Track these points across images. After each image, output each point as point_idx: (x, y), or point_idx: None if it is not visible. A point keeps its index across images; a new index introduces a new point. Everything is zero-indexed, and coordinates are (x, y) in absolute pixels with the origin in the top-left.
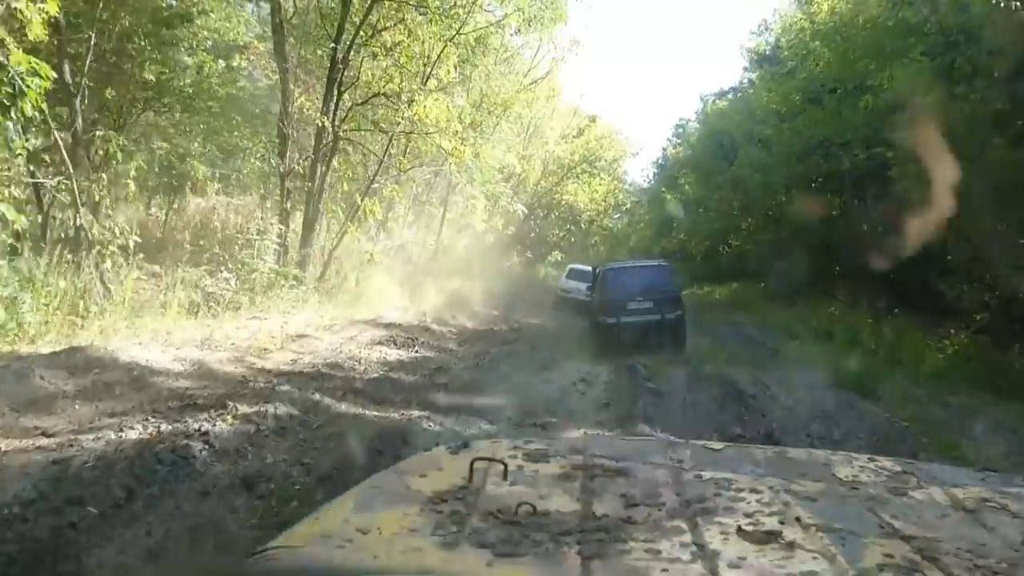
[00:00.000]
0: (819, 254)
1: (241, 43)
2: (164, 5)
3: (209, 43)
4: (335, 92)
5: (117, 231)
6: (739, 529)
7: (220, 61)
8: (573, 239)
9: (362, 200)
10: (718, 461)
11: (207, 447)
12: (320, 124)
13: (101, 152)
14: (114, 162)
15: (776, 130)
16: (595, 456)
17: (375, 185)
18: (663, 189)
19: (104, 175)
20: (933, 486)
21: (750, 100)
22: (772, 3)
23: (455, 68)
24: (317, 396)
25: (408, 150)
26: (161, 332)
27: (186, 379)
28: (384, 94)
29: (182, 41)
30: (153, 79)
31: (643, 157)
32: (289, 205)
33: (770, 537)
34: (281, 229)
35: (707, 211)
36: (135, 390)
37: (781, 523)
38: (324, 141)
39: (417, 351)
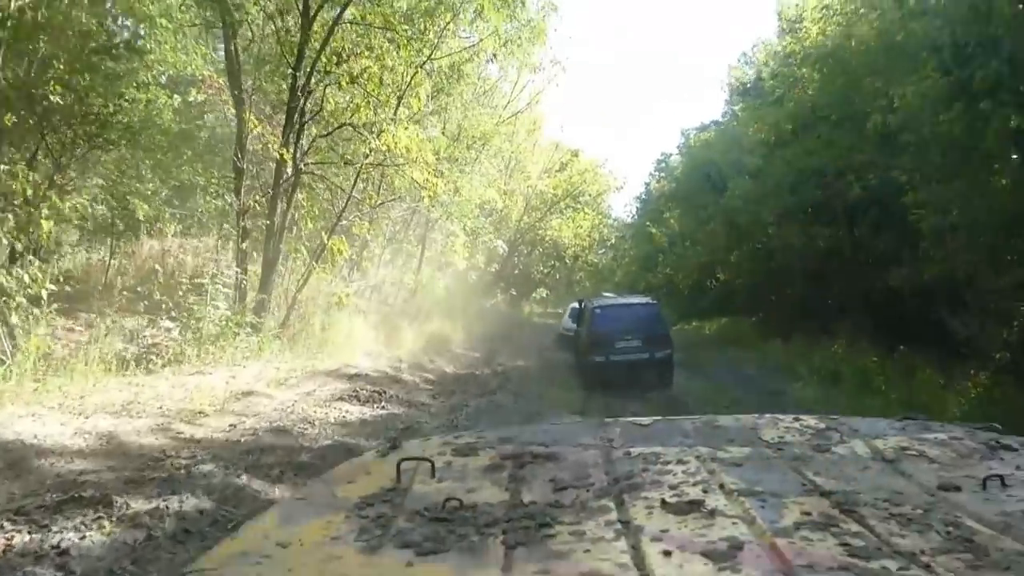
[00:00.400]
0: (815, 287)
1: (199, 76)
2: (106, 39)
3: (164, 78)
4: (296, 123)
5: (28, 279)
6: (663, 502)
7: (175, 96)
8: (558, 275)
9: (328, 238)
10: (648, 436)
11: None
12: (280, 156)
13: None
14: (42, 203)
15: (766, 160)
16: (525, 444)
17: (343, 222)
18: (648, 223)
19: (21, 214)
20: (855, 439)
21: (735, 131)
22: (752, 37)
23: (428, 97)
24: (244, 479)
25: (382, 185)
26: (75, 395)
27: (84, 459)
28: (351, 124)
29: (131, 74)
30: (95, 114)
31: (626, 192)
32: (246, 245)
33: (692, 507)
34: (237, 271)
35: (693, 244)
36: (8, 478)
37: (704, 492)
38: (284, 176)
39: (384, 407)
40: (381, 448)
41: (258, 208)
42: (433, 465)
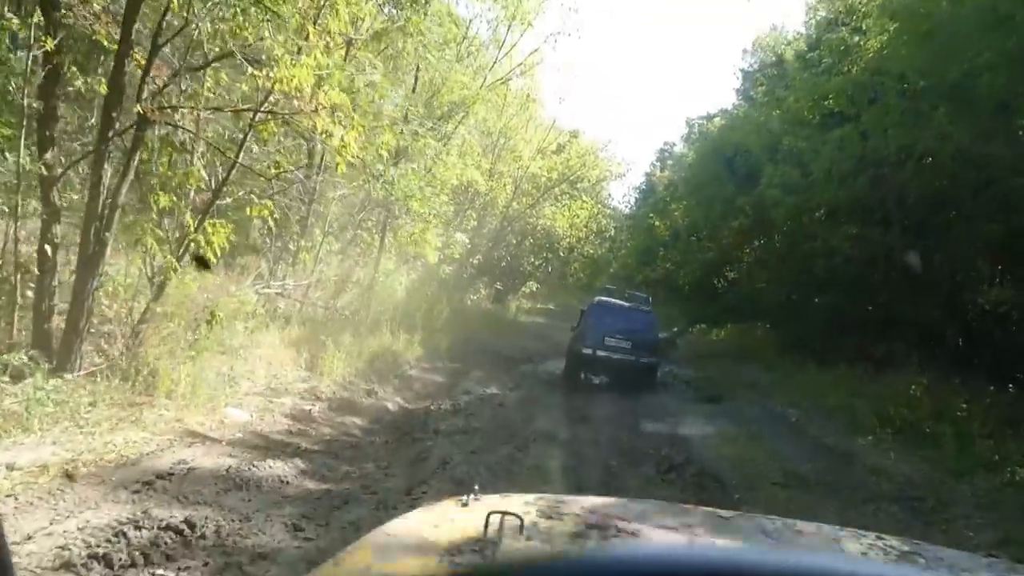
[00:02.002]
0: (860, 301)
1: None
2: None
3: None
4: (139, 43)
5: None
6: None
7: None
8: (551, 268)
9: (198, 223)
10: (729, 529)
11: None
12: (108, 98)
13: None
14: None
15: (810, 144)
16: (609, 517)
17: (226, 200)
18: (650, 215)
19: None
20: (939, 568)
21: (767, 113)
22: (752, 28)
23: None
24: None
25: (322, 156)
26: None
27: None
28: (234, 54)
29: None
30: None
31: (624, 183)
32: (57, 231)
33: None
34: (15, 276)
35: (700, 240)
36: None
37: None
38: (114, 126)
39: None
40: (463, 499)
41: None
42: (522, 522)
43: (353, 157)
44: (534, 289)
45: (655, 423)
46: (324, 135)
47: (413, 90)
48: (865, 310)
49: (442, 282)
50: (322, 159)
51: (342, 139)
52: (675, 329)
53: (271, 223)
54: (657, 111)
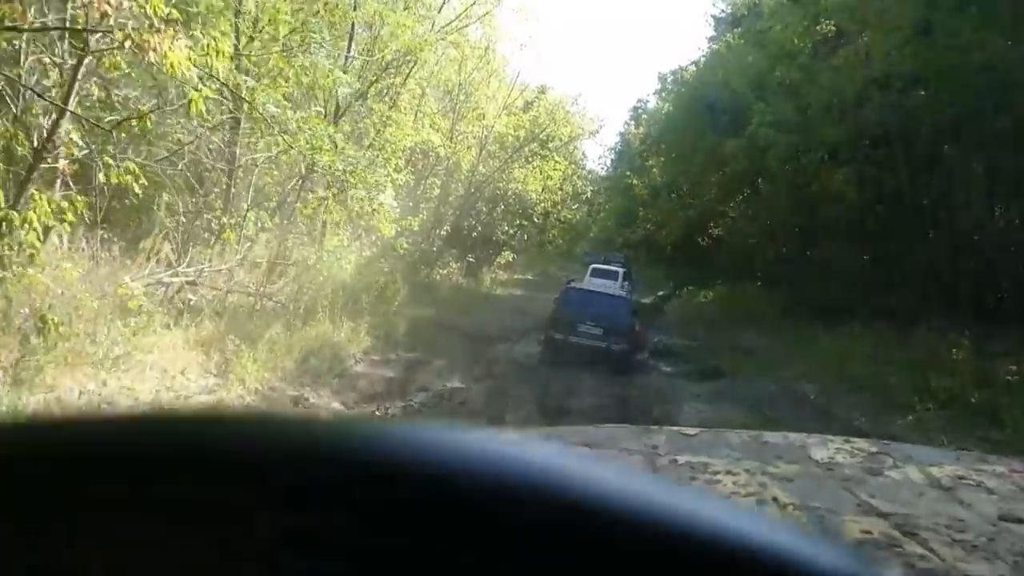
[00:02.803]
0: (866, 250)
1: None
2: None
3: None
4: None
5: None
6: None
7: None
8: (526, 236)
9: (14, 196)
10: (693, 446)
11: None
12: None
13: None
14: None
15: (805, 74)
16: (567, 444)
17: (59, 162)
18: (627, 174)
19: None
20: (909, 465)
21: (746, 51)
22: None
23: None
24: None
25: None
26: None
27: None
28: None
29: None
30: None
31: (599, 143)
32: None
33: None
34: None
35: (679, 196)
36: None
37: (758, 504)
38: None
39: None
40: None
41: None
42: None
43: (174, 64)
44: (511, 259)
45: (649, 415)
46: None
47: (350, 41)
48: (873, 260)
49: (401, 257)
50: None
51: (165, 55)
52: (661, 293)
53: (180, 198)
54: (627, 69)
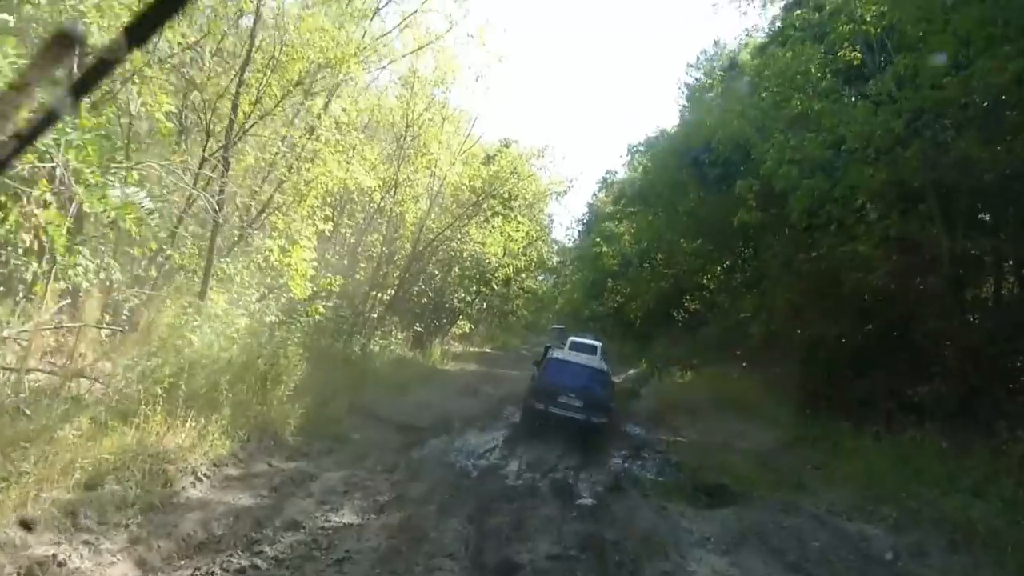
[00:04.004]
0: (905, 333)
1: None
2: None
3: None
4: None
5: None
6: None
7: None
8: (486, 304)
9: None
10: None
11: None
12: None
13: None
14: None
15: (831, 103)
16: None
17: None
18: (597, 240)
19: None
20: None
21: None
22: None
23: None
24: None
25: None
26: None
27: None
28: None
29: None
30: None
31: (565, 212)
32: None
33: None
34: None
35: (652, 266)
36: None
37: None
38: None
39: None
40: None
41: None
42: None
43: None
44: (467, 330)
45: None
46: None
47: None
48: (901, 342)
49: (322, 326)
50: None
51: None
52: (632, 372)
53: None
54: (594, 142)
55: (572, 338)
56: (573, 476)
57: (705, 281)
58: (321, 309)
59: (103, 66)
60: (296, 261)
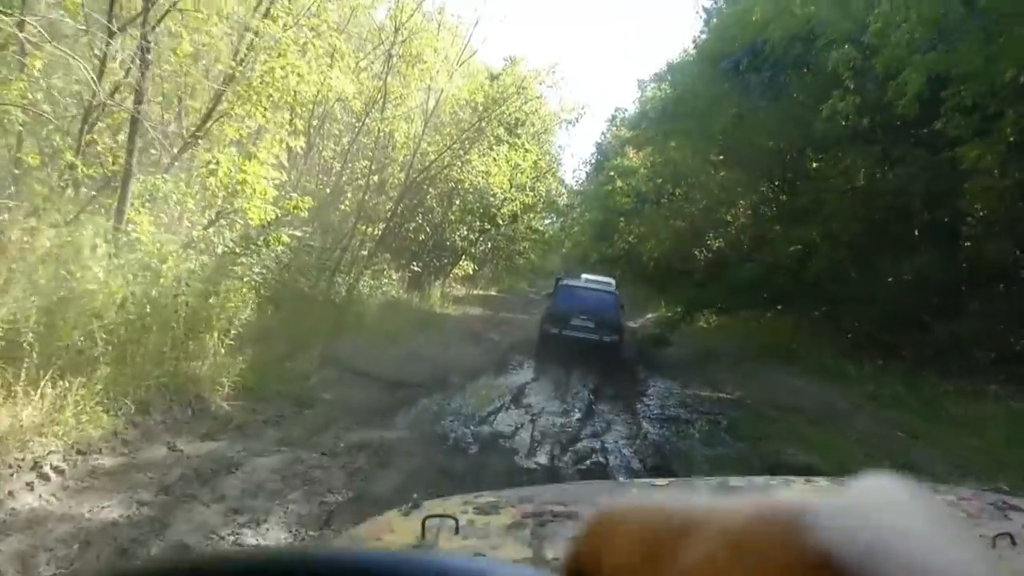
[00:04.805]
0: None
1: None
2: None
3: None
4: None
5: None
6: None
7: None
8: (491, 242)
9: None
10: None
11: None
12: None
13: None
14: None
15: None
16: (545, 503)
17: None
18: (610, 174)
19: None
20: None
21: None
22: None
23: None
24: None
25: None
26: None
27: None
28: None
29: None
30: None
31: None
32: None
33: None
34: None
35: (671, 201)
36: None
37: None
38: None
39: None
40: (404, 508)
41: None
42: (457, 522)
43: None
44: (471, 272)
45: None
46: None
47: None
48: (1010, 279)
49: (289, 261)
50: None
51: None
52: (651, 316)
53: None
54: (603, 78)
55: (585, 276)
56: (601, 448)
57: (730, 218)
58: (286, 239)
59: None
60: (254, 178)
